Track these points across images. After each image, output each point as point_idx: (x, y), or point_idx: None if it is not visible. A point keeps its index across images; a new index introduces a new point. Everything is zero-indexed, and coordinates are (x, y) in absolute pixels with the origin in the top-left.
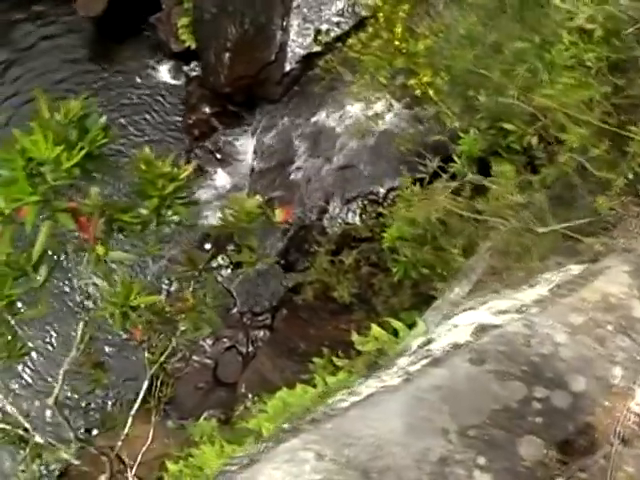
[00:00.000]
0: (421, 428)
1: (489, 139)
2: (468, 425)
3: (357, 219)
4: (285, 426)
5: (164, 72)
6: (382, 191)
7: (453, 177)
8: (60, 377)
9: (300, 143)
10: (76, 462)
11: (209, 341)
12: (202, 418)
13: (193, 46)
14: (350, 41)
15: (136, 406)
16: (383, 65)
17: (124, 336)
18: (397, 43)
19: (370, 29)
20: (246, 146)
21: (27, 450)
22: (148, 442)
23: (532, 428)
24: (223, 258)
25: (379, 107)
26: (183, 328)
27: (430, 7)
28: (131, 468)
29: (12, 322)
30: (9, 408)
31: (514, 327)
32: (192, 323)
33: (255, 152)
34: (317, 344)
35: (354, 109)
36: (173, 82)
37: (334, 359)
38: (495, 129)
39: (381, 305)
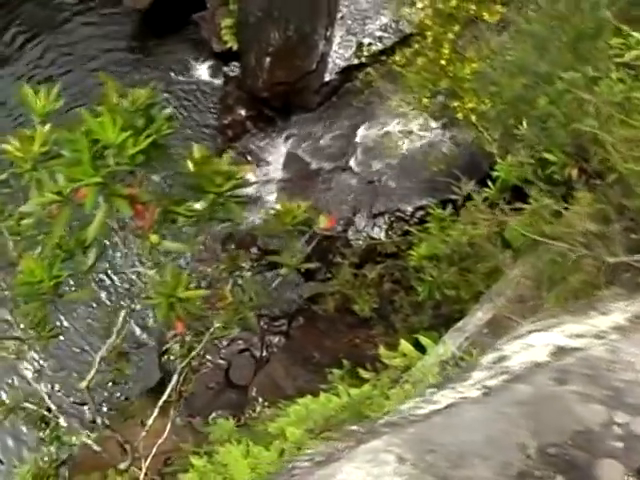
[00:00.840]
0: (501, 441)
1: (527, 168)
2: (549, 443)
3: (383, 234)
4: (355, 427)
5: (203, 70)
6: (410, 209)
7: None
8: (96, 362)
9: (332, 154)
10: (98, 448)
11: (224, 342)
12: (210, 417)
13: (234, 47)
14: (393, 57)
15: (163, 398)
16: (426, 84)
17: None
18: (443, 64)
19: (416, 46)
20: (277, 152)
21: (47, 431)
22: (164, 435)
23: (612, 452)
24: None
25: (416, 125)
26: (216, 325)
27: (479, 31)
28: (145, 459)
29: (49, 304)
30: (38, 387)
31: (597, 351)
32: (225, 322)
33: (286, 158)
34: (332, 355)
35: (390, 124)
36: (211, 81)
37: (360, 371)
38: (534, 158)
39: (400, 323)
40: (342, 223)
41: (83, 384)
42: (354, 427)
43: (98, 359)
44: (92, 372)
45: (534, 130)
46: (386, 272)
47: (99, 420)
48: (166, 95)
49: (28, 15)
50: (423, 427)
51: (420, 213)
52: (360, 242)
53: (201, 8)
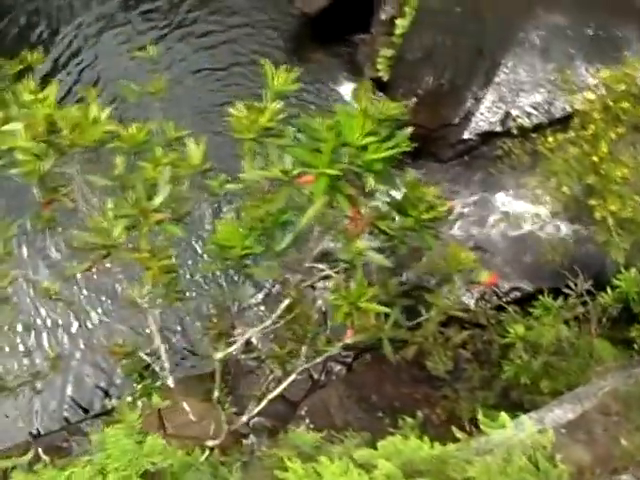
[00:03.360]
0: None
1: None
2: None
3: (472, 302)
4: None
5: (347, 90)
6: (507, 287)
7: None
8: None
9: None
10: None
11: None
12: (252, 422)
13: (385, 78)
14: (542, 136)
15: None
16: (571, 174)
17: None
18: (595, 160)
19: (572, 134)
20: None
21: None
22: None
23: None
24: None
25: (543, 209)
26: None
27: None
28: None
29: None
30: (158, 342)
31: None
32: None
33: None
34: (389, 401)
35: (517, 200)
36: (351, 103)
37: (454, 429)
38: None
39: (465, 392)
40: (437, 279)
41: (218, 355)
42: None
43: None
44: (233, 348)
45: None
46: (470, 340)
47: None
48: (304, 103)
49: None
50: None
51: (516, 294)
52: (450, 303)
53: (365, 30)
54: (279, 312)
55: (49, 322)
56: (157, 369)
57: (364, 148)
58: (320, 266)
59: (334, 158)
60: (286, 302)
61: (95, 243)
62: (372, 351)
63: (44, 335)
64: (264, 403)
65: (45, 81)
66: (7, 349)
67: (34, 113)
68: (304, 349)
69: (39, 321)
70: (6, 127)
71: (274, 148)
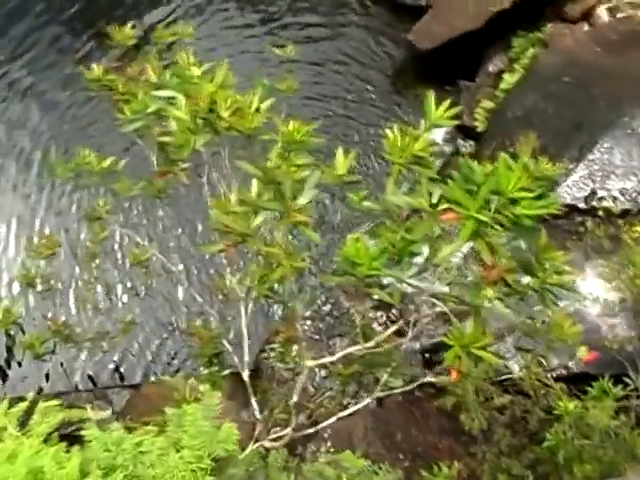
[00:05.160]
0: None
1: None
2: None
3: (517, 369)
4: None
5: (439, 133)
6: (555, 362)
7: None
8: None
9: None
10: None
11: (323, 372)
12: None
13: (479, 128)
14: (627, 224)
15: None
16: None
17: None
18: None
19: None
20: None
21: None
22: None
23: None
24: None
25: (612, 295)
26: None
27: None
28: None
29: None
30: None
31: None
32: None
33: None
34: (411, 444)
35: (587, 279)
36: (441, 145)
37: None
38: None
39: (491, 455)
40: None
41: (309, 363)
42: None
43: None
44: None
45: None
46: (509, 405)
47: None
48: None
49: None
50: None
51: (562, 371)
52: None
53: (470, 78)
54: (383, 336)
55: (130, 287)
56: (235, 359)
57: (515, 201)
58: (435, 301)
59: (484, 204)
60: (393, 328)
61: (233, 228)
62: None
63: (122, 299)
64: (329, 421)
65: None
66: (86, 304)
67: (199, 88)
68: (384, 377)
69: (120, 284)
70: (160, 93)
71: (424, 178)
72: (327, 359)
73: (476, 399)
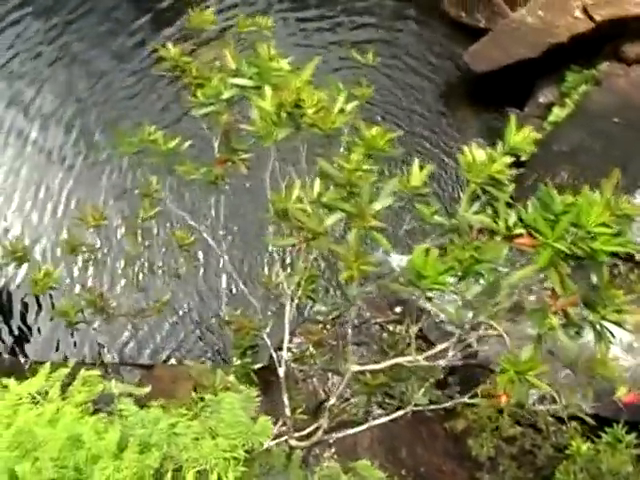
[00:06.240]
0: None
1: None
2: None
3: (531, 401)
4: None
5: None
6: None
7: None
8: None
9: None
10: None
11: (336, 379)
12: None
13: (522, 157)
14: None
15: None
16: None
17: None
18: None
19: None
20: None
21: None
22: None
23: None
24: None
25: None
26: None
27: None
28: None
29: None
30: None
31: None
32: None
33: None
34: (416, 463)
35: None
36: None
37: None
38: None
39: None
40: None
41: (354, 367)
42: None
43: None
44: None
45: None
46: (520, 436)
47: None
48: (434, 148)
49: None
50: None
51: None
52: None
53: (519, 106)
54: (434, 351)
55: (169, 268)
56: (274, 356)
57: (593, 235)
58: (493, 323)
59: (562, 234)
60: (444, 345)
61: (306, 224)
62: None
63: (161, 279)
64: (360, 428)
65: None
66: (123, 279)
67: (285, 82)
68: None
69: (160, 264)
70: (238, 81)
71: (500, 200)
72: (372, 366)
73: (488, 426)
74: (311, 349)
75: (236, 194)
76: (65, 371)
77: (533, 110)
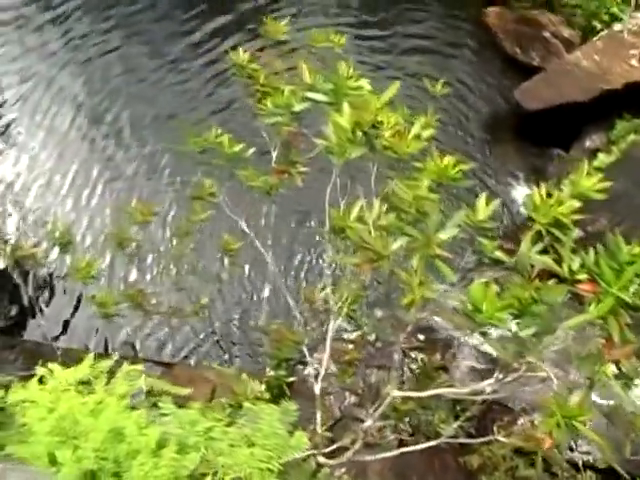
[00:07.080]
0: None
1: None
2: None
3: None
4: None
5: (520, 192)
6: (585, 448)
7: None
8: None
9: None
10: None
11: (353, 398)
12: None
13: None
14: None
15: None
16: None
17: None
18: None
19: None
20: None
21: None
22: None
23: None
24: None
25: None
26: None
27: None
28: None
29: None
30: (328, 347)
31: None
32: None
33: None
34: None
35: None
36: (519, 208)
37: None
38: None
39: None
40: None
41: (394, 393)
42: None
43: None
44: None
45: None
46: None
47: None
48: (477, 183)
49: None
50: None
51: (588, 457)
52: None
53: (564, 148)
54: (481, 385)
55: (212, 272)
56: (311, 371)
57: None
58: (542, 365)
59: (627, 284)
60: (490, 380)
61: (372, 246)
62: (429, 439)
63: (203, 281)
64: (392, 453)
65: None
66: (165, 278)
67: (365, 102)
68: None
69: (203, 267)
70: (315, 95)
71: (564, 243)
72: (414, 393)
73: (502, 465)
74: (332, 367)
75: (287, 205)
76: (109, 362)
77: (578, 153)
